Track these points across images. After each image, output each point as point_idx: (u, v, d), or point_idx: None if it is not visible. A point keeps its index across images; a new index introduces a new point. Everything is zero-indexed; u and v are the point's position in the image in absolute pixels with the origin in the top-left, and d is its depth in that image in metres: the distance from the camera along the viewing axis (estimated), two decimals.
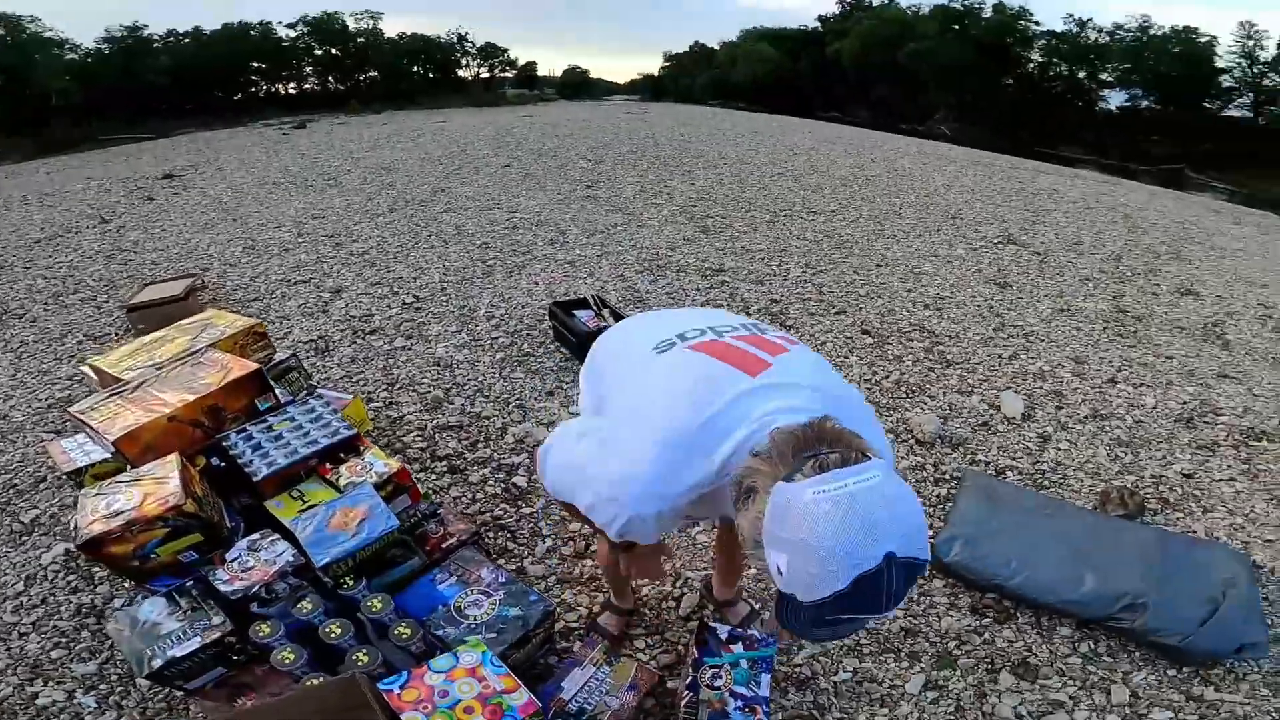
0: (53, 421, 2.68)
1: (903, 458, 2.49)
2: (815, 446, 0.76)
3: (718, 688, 1.39)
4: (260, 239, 5.06)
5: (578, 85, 47.49)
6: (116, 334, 3.50)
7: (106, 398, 1.78)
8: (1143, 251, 6.02)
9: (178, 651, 1.17)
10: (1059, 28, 35.13)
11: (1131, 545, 1.94)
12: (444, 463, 2.36)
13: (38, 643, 1.68)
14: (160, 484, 1.43)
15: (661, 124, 15.10)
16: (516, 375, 2.96)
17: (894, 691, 1.62)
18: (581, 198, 6.33)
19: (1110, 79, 34.32)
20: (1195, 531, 2.23)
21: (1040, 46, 35.42)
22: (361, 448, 1.74)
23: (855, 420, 0.84)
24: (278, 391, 1.95)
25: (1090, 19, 35.35)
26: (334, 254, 4.67)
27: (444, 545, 1.60)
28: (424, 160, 8.78)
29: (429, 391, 2.79)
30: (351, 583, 1.34)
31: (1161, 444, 2.73)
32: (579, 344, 2.98)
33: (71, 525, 1.62)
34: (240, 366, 1.83)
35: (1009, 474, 2.46)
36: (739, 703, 1.37)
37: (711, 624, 1.55)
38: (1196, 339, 3.93)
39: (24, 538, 2.05)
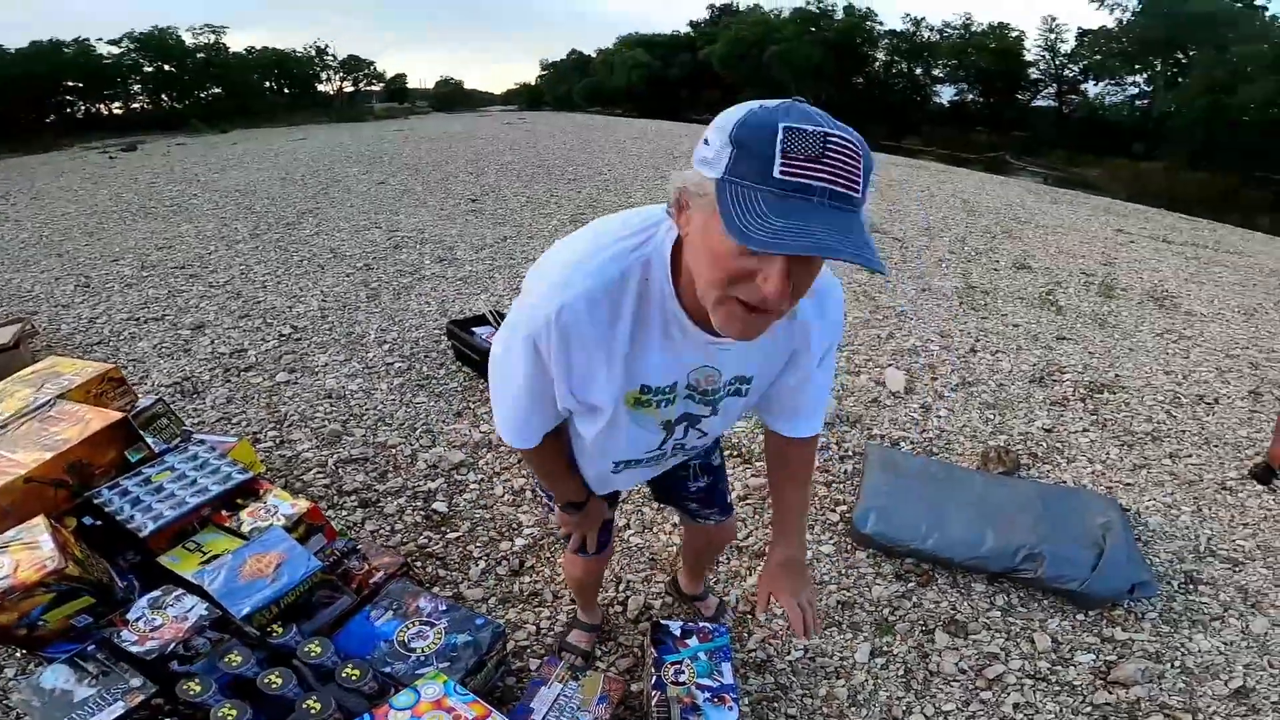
0: None
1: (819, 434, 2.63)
2: None
3: (683, 683, 1.41)
4: (96, 275, 4.51)
5: (452, 97, 45.60)
6: None
7: None
8: (981, 232, 6.79)
9: (104, 717, 1.04)
10: (899, 27, 38.73)
11: (1017, 500, 2.15)
12: (353, 497, 2.22)
13: None
14: (31, 549, 1.27)
15: (543, 133, 15.06)
16: (419, 400, 2.83)
17: (845, 663, 1.72)
18: (466, 212, 6.18)
19: (941, 75, 38.20)
20: (1065, 481, 2.52)
21: (884, 46, 38.76)
22: (261, 491, 1.63)
23: None
24: (149, 441, 1.78)
25: (924, 18, 38.98)
26: (189, 287, 4.24)
27: (371, 581, 1.52)
28: (285, 181, 8.20)
29: (324, 425, 2.63)
30: (281, 630, 1.24)
31: (1022, 404, 3.07)
32: (483, 361, 2.91)
33: None
34: (101, 417, 1.66)
35: (902, 444, 2.68)
36: (707, 694, 1.40)
37: (663, 621, 1.57)
38: (1035, 307, 4.48)
39: None
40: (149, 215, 6.36)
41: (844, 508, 2.23)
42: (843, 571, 2.00)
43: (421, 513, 2.15)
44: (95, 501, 1.51)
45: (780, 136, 0.60)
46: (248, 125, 23.05)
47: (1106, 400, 3.19)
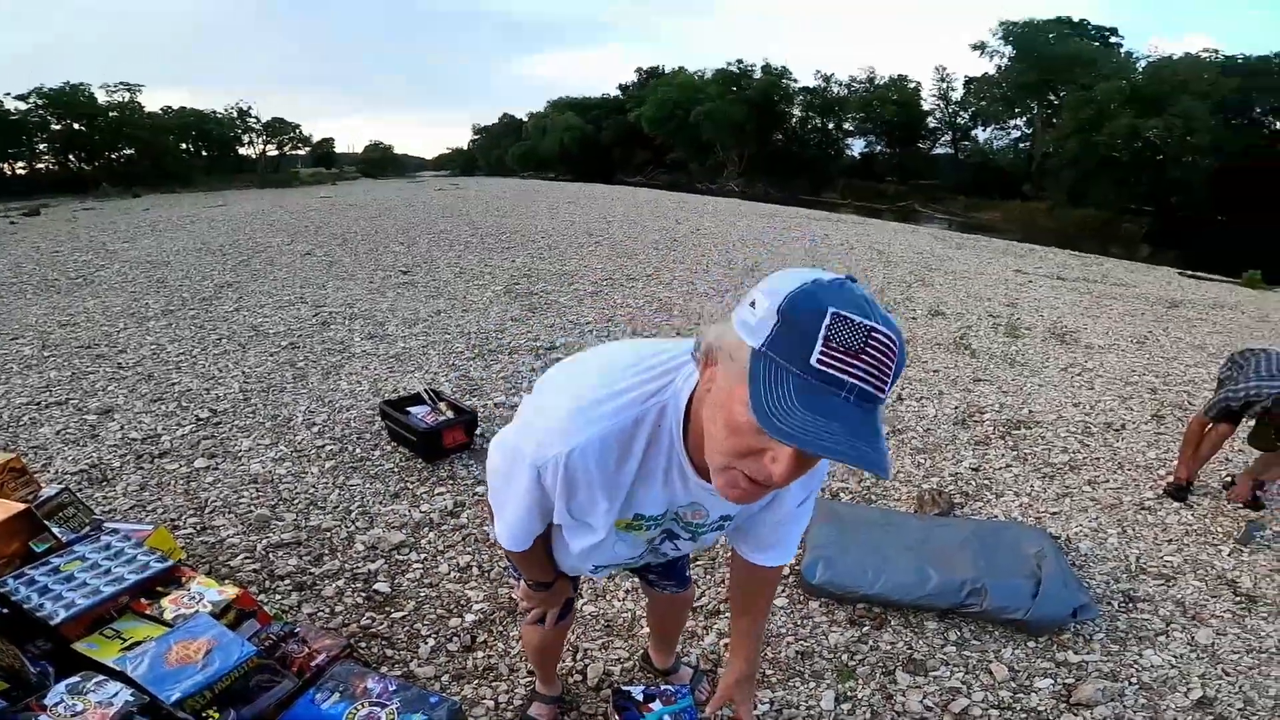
0: None
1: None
2: None
3: None
4: None
5: (382, 162, 44.74)
6: None
7: None
8: (897, 282, 7.25)
9: None
10: (811, 84, 41.15)
11: (955, 538, 2.26)
12: (287, 581, 2.10)
13: None
14: None
15: (476, 199, 15.14)
16: (354, 482, 2.71)
17: (812, 712, 1.72)
18: (397, 284, 6.05)
19: (851, 128, 40.98)
20: (996, 515, 2.66)
21: (799, 102, 41.24)
22: (184, 579, 1.58)
23: None
24: (55, 530, 1.72)
25: (833, 74, 41.71)
26: (95, 368, 3.96)
27: (313, 664, 1.43)
28: (202, 251, 7.88)
29: (250, 511, 2.49)
30: (217, 716, 1.18)
31: (949, 446, 3.24)
32: (420, 442, 2.83)
33: None
34: (3, 509, 1.61)
35: (842, 495, 2.76)
36: None
37: (624, 687, 1.53)
38: (951, 351, 4.78)
39: None
40: (51, 288, 5.96)
41: (792, 560, 2.27)
42: (798, 623, 2.02)
43: (362, 594, 2.05)
44: (1, 591, 1.43)
45: (827, 321, 0.59)
46: (163, 189, 22.06)
47: (1024, 435, 3.40)
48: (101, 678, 1.21)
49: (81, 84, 30.11)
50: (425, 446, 2.82)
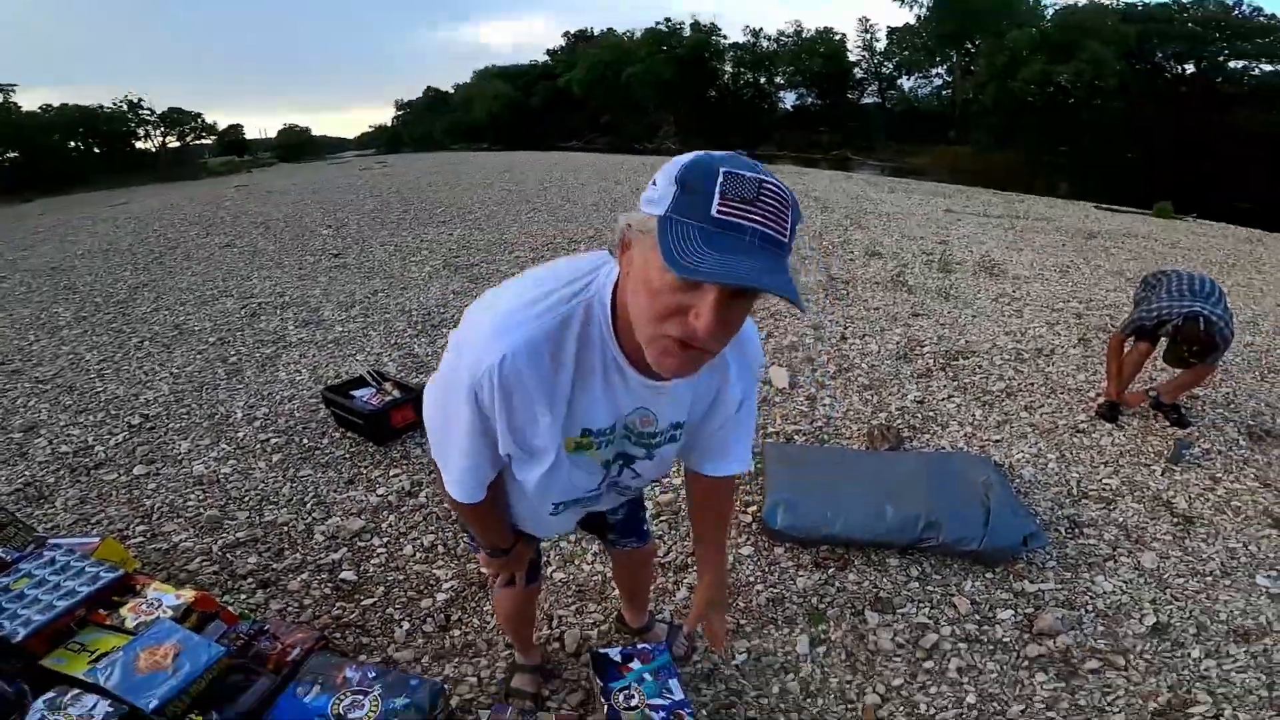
0: None
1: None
2: None
3: (635, 707, 1.41)
4: None
5: (299, 146, 41.30)
6: None
7: None
8: (834, 226, 7.40)
9: None
10: (741, 39, 41.08)
11: (906, 473, 2.30)
12: (250, 579, 2.04)
13: None
14: None
15: (405, 176, 14.45)
16: (305, 473, 2.64)
17: (790, 657, 1.78)
18: (329, 268, 5.78)
19: (782, 82, 41.14)
20: (944, 447, 2.76)
21: (730, 59, 41.11)
22: (139, 586, 1.57)
23: None
24: None
25: (761, 29, 42.00)
26: (11, 384, 3.72)
27: (289, 659, 1.41)
28: (109, 253, 7.35)
29: (199, 513, 2.42)
30: (200, 718, 1.15)
31: (893, 381, 3.36)
32: (367, 425, 2.77)
33: None
34: None
35: (796, 437, 2.83)
36: (661, 714, 1.41)
37: (601, 650, 1.56)
38: (889, 289, 4.94)
39: None
40: None
41: (754, 507, 2.32)
42: (766, 569, 2.07)
43: (329, 585, 2.01)
44: None
45: (720, 179, 0.65)
46: (54, 192, 20.28)
47: (962, 366, 3.57)
48: (76, 691, 1.20)
49: None
50: (373, 429, 2.76)
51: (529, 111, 44.57)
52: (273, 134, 45.61)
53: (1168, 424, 2.93)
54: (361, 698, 1.26)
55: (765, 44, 40.46)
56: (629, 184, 11.19)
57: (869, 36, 39.01)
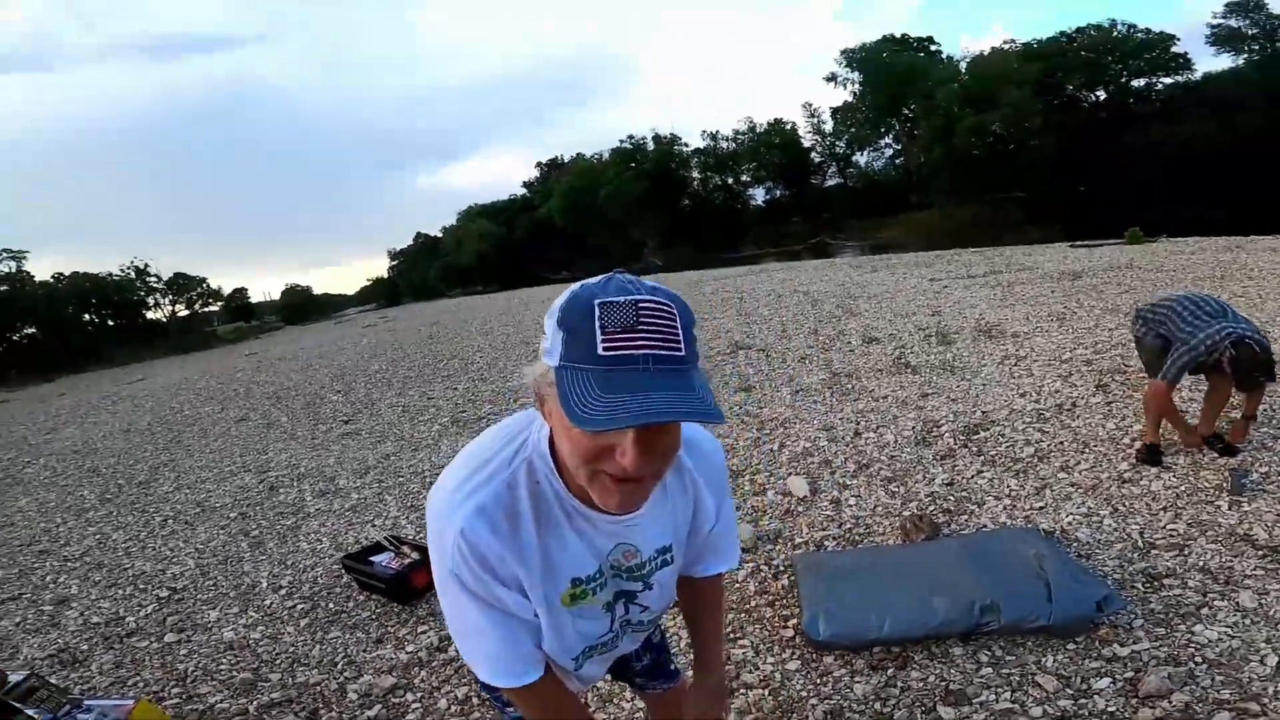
0: None
1: (739, 569, 2.61)
2: None
3: None
4: None
5: (304, 306, 41.68)
6: None
7: None
8: (828, 319, 7.49)
9: None
10: (701, 144, 42.95)
11: (949, 559, 2.22)
12: None
13: None
14: None
15: (406, 331, 14.81)
16: (333, 635, 2.62)
17: None
18: (341, 435, 5.83)
19: (748, 179, 42.89)
20: (985, 525, 2.65)
21: (695, 164, 43.08)
22: None
23: None
24: (31, 713, 1.80)
25: (718, 130, 43.61)
26: (41, 563, 3.90)
27: None
28: (129, 433, 7.55)
29: (233, 676, 2.46)
30: None
31: (916, 468, 3.26)
32: (389, 588, 2.77)
33: None
34: None
35: (826, 543, 2.73)
36: None
37: None
38: (893, 373, 4.91)
39: None
40: None
41: (795, 620, 2.22)
42: (818, 682, 1.95)
43: None
44: None
45: (597, 314, 0.64)
46: (73, 369, 20.78)
47: (985, 438, 3.49)
48: None
49: None
50: (396, 592, 2.76)
51: (514, 246, 46.06)
52: (276, 294, 46.54)
53: (1215, 455, 2.81)
54: None
55: (724, 145, 42.45)
56: None
57: (816, 120, 40.97)
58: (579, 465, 0.72)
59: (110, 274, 32.35)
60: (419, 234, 60.05)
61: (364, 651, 2.47)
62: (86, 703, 1.80)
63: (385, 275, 62.62)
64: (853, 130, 39.08)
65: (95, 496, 5.09)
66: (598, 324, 0.65)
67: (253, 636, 2.71)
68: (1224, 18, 27.13)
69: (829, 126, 40.66)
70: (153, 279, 33.87)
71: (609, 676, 1.26)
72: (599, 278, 0.70)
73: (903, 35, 37.55)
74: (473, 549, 0.79)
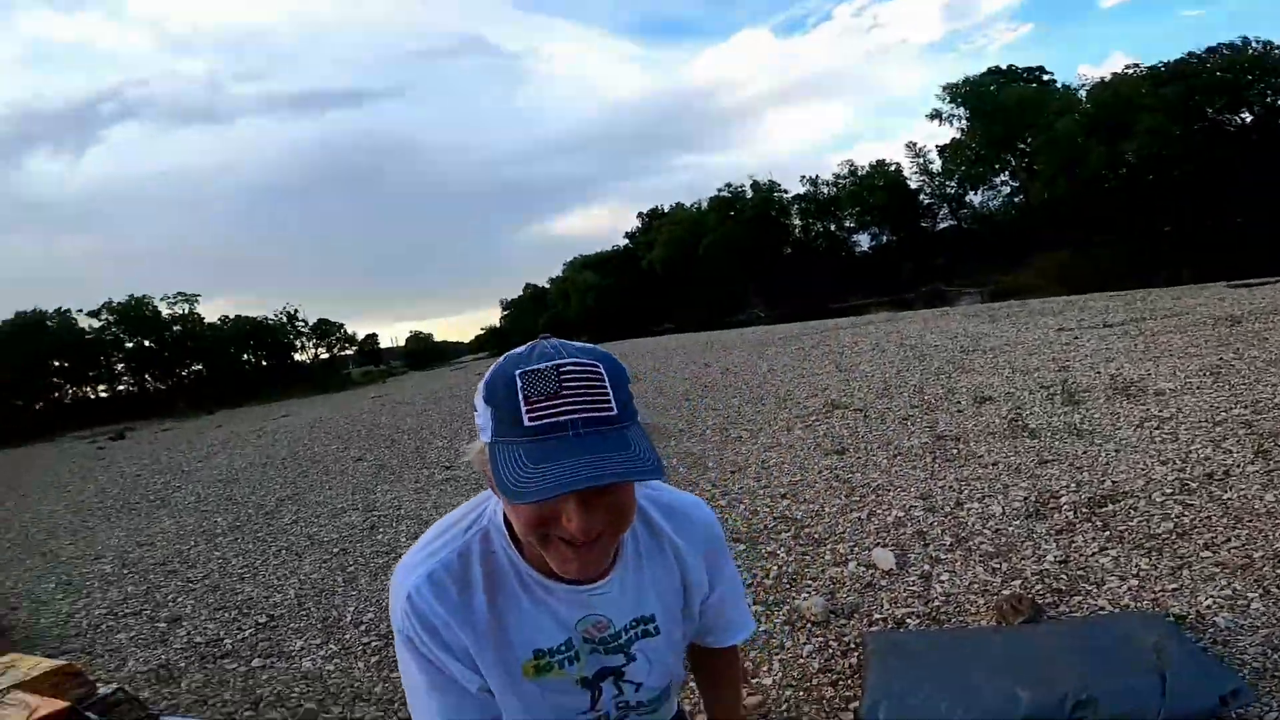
0: None
1: (805, 643, 2.43)
2: None
3: None
4: (76, 573, 4.69)
5: (425, 353, 46.12)
6: None
7: None
8: (934, 375, 6.98)
9: None
10: (801, 190, 41.35)
11: (1048, 646, 1.98)
12: None
13: None
14: None
15: None
16: (397, 675, 2.65)
17: None
18: (441, 481, 6.12)
19: (852, 225, 40.70)
20: (1102, 608, 2.32)
21: (795, 210, 41.49)
22: None
23: None
24: None
25: (818, 175, 41.76)
26: (167, 582, 4.33)
27: None
28: (267, 465, 8.33)
29: (299, 705, 2.60)
30: None
31: (1025, 543, 2.90)
32: None
33: None
34: (48, 705, 1.82)
35: (908, 621, 2.48)
36: None
37: None
38: (1008, 437, 4.43)
39: None
40: (131, 510, 6.48)
41: (855, 704, 2.04)
42: None
43: None
44: None
45: (519, 384, 0.64)
46: (232, 404, 23.37)
47: (1113, 511, 3.06)
48: None
49: (145, 296, 31.49)
50: None
51: (618, 297, 46.31)
52: (402, 341, 50.87)
53: None
54: None
55: (825, 190, 40.63)
56: (717, 365, 11.43)
57: (922, 160, 38.21)
58: (528, 535, 0.71)
59: (266, 317, 36.37)
60: (527, 284, 62.08)
61: None
62: (164, 718, 1.93)
63: (497, 324, 66.05)
64: (963, 169, 36.10)
65: (227, 523, 5.61)
66: (520, 395, 0.64)
67: (327, 668, 2.87)
68: None
69: (936, 165, 38.06)
70: (300, 323, 37.59)
71: None
72: (524, 346, 0.69)
73: (1009, 66, 35.21)
74: (419, 615, 0.79)
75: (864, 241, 41.87)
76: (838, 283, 37.29)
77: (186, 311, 32.88)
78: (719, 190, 43.36)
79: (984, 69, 35.67)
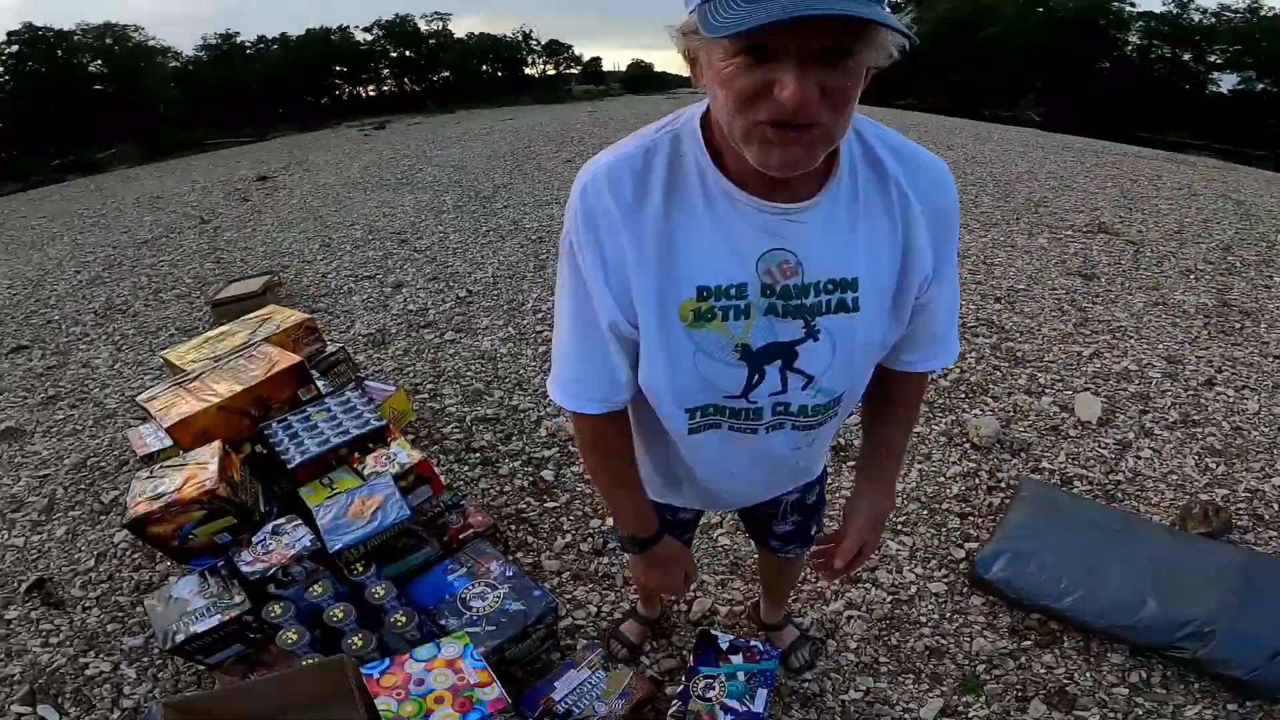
0: (140, 410, 2.93)
1: (954, 463, 2.33)
2: None
3: (709, 699, 1.35)
4: (335, 237, 5.37)
5: (643, 79, 46.65)
6: (204, 328, 3.78)
7: (168, 387, 1.93)
8: (1255, 241, 5.36)
9: (199, 628, 1.25)
10: (1158, 8, 31.79)
11: (1207, 567, 1.75)
12: (478, 454, 2.42)
13: (97, 616, 1.84)
14: (201, 468, 1.54)
15: None
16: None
17: (906, 715, 1.52)
18: None
19: (1219, 61, 30.77)
20: None
21: (1138, 29, 32.22)
22: (389, 439, 1.80)
23: None
24: (322, 384, 2.07)
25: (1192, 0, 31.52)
26: (399, 250, 4.89)
27: (461, 536, 1.65)
28: (490, 157, 9.03)
29: (471, 384, 2.85)
30: (362, 569, 1.40)
31: (1262, 454, 2.39)
32: None
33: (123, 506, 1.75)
34: (285, 359, 1.94)
35: (1076, 484, 2.25)
36: (729, 716, 1.32)
37: (714, 632, 1.51)
38: None
39: (101, 517, 2.25)
40: (382, 186, 7.41)
41: (973, 544, 1.95)
42: (946, 615, 1.75)
43: (530, 478, 2.27)
44: (265, 433, 1.80)
45: None
46: (469, 106, 26.15)
47: None
48: (299, 521, 1.46)
49: (408, 15, 40.07)
50: None
51: None
52: (623, 67, 52.62)
53: None
54: (489, 591, 1.43)
55: (1198, 17, 29.92)
56: (961, 150, 9.71)
57: None
58: (733, 117, 0.62)
59: (505, 35, 44.08)
60: None
61: None
62: (366, 383, 2.10)
63: None
64: None
65: (452, 203, 6.26)
66: None
67: (501, 351, 3.15)
68: None
69: None
70: (534, 42, 45.00)
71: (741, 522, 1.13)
72: None
73: None
74: (586, 209, 0.73)
75: (1225, 83, 30.92)
76: (1164, 117, 28.54)
77: (440, 28, 40.92)
78: None
79: None
